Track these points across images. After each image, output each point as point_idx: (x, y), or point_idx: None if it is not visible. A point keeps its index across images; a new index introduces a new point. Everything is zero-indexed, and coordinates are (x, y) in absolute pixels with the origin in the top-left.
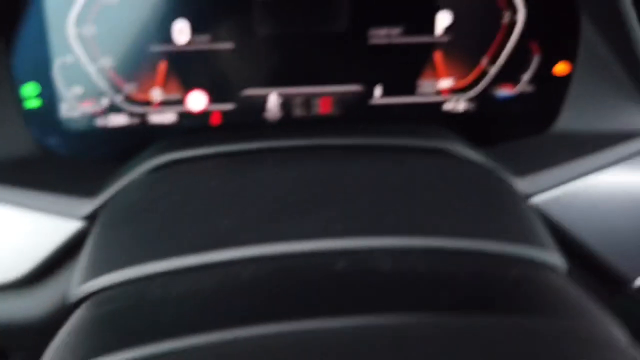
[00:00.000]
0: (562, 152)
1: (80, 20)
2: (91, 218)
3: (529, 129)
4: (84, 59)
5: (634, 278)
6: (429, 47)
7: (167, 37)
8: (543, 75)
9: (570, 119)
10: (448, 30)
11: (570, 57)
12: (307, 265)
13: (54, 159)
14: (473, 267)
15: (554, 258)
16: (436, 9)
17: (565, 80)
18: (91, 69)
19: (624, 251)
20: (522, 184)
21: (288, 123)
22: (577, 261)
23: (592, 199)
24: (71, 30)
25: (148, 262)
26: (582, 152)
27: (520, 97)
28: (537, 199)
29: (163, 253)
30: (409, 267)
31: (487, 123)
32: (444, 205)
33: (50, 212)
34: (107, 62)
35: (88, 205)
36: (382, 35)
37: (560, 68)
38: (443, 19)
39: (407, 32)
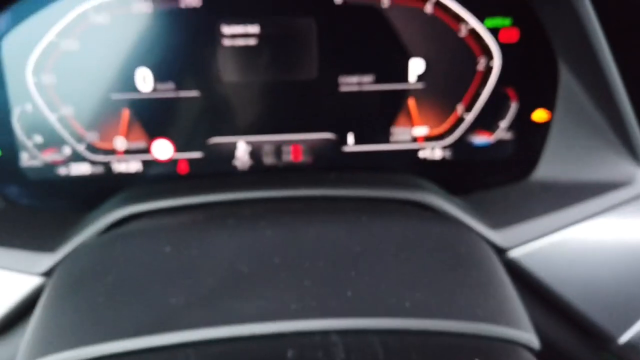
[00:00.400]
0: (541, 203)
1: (39, 69)
2: (50, 274)
3: (507, 177)
4: (43, 107)
5: (619, 334)
6: (403, 95)
7: (129, 85)
8: (521, 123)
9: (550, 167)
10: (422, 77)
11: (548, 104)
12: (256, 354)
13: (15, 210)
14: (434, 354)
15: (526, 336)
16: (408, 57)
17: (545, 127)
18: (52, 118)
19: (606, 307)
20: (499, 238)
21: (258, 171)
22: (559, 317)
23: (572, 252)
24: (30, 78)
25: (89, 345)
26: (561, 203)
27: (498, 144)
28: (515, 253)
29: (105, 335)
30: (365, 356)
31: (465, 171)
32: (412, 276)
33: (8, 269)
34: (68, 110)
35: (47, 261)
36: (353, 83)
37: (539, 115)
38: (416, 66)
39: (379, 79)
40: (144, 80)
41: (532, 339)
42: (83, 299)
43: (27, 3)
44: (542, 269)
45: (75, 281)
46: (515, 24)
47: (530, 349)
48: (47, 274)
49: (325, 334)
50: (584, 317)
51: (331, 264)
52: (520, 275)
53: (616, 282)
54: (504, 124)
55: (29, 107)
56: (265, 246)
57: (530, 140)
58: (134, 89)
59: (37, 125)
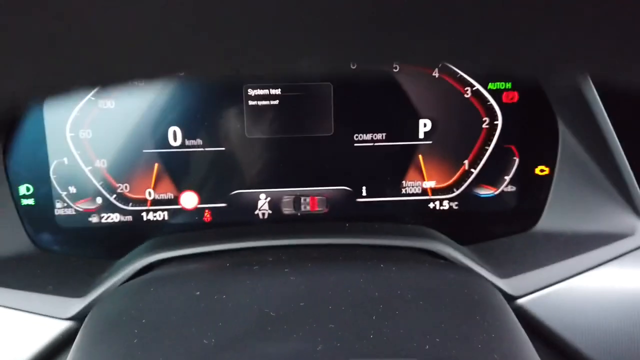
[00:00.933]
0: (546, 253)
1: (77, 125)
2: (78, 318)
3: (512, 228)
4: (79, 160)
5: None
6: (413, 151)
7: (160, 142)
8: (524, 177)
9: (553, 218)
10: (430, 135)
11: (549, 160)
12: None
13: (47, 256)
14: None
15: None
16: (418, 116)
17: (547, 181)
18: (86, 170)
19: (615, 354)
20: (506, 286)
21: (277, 221)
22: None
23: (579, 300)
24: (68, 134)
25: None
26: (565, 253)
27: (503, 196)
28: (523, 301)
29: None
30: None
31: (471, 222)
32: (429, 320)
33: (37, 313)
34: (102, 163)
35: (75, 306)
36: (367, 140)
37: (542, 170)
38: (425, 125)
39: (390, 137)
40: (174, 137)
41: None
42: (118, 341)
43: None
44: (550, 317)
45: (109, 324)
46: (515, 88)
47: None
48: (75, 318)
49: None
50: None
51: (353, 308)
52: (528, 323)
53: (623, 330)
54: (507, 177)
55: (65, 160)
56: (290, 291)
57: (533, 193)
58: (165, 145)
59: (72, 177)
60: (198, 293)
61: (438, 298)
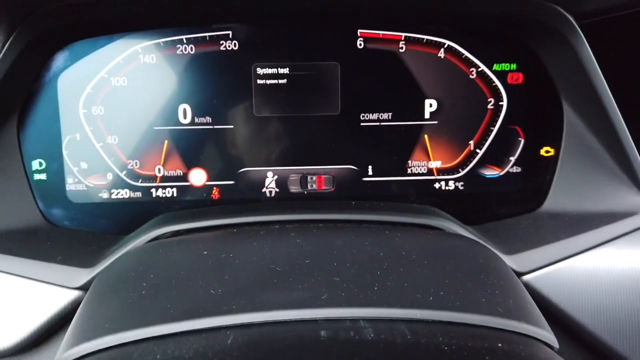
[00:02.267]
0: (551, 231)
1: (89, 102)
2: (86, 288)
3: (518, 208)
4: (91, 137)
5: (631, 357)
6: (419, 131)
7: (170, 119)
8: (529, 157)
9: (558, 199)
10: (436, 115)
11: (554, 142)
12: (291, 333)
13: (57, 230)
14: (461, 339)
15: (546, 334)
16: (424, 96)
17: (552, 162)
18: (98, 146)
19: (618, 330)
20: (512, 263)
21: (284, 199)
22: (573, 340)
23: (584, 278)
24: (81, 110)
25: (132, 330)
26: (570, 232)
27: (508, 177)
28: (528, 277)
29: (147, 320)
30: (394, 338)
31: (477, 202)
32: (433, 276)
33: (46, 282)
34: (113, 140)
35: (84, 276)
36: (373, 119)
37: (547, 150)
38: (431, 105)
39: (396, 116)
40: (184, 115)
41: (551, 337)
42: (126, 293)
43: (83, 44)
44: (555, 293)
45: (118, 279)
46: (519, 69)
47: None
48: (84, 288)
49: (355, 320)
50: (596, 339)
51: (358, 265)
52: (533, 299)
53: (627, 306)
54: (512, 158)
55: (77, 136)
56: (296, 250)
57: (538, 174)
58: (175, 122)
59: (84, 152)
60: (205, 252)
61: (443, 259)
